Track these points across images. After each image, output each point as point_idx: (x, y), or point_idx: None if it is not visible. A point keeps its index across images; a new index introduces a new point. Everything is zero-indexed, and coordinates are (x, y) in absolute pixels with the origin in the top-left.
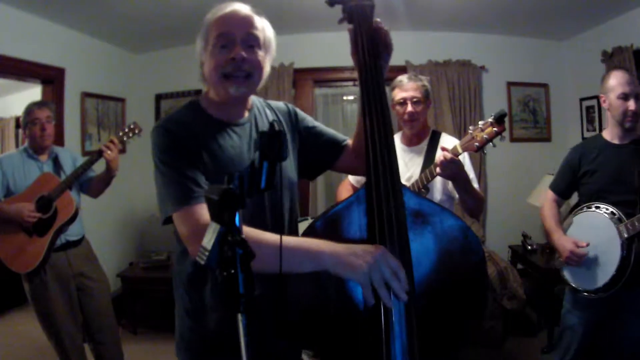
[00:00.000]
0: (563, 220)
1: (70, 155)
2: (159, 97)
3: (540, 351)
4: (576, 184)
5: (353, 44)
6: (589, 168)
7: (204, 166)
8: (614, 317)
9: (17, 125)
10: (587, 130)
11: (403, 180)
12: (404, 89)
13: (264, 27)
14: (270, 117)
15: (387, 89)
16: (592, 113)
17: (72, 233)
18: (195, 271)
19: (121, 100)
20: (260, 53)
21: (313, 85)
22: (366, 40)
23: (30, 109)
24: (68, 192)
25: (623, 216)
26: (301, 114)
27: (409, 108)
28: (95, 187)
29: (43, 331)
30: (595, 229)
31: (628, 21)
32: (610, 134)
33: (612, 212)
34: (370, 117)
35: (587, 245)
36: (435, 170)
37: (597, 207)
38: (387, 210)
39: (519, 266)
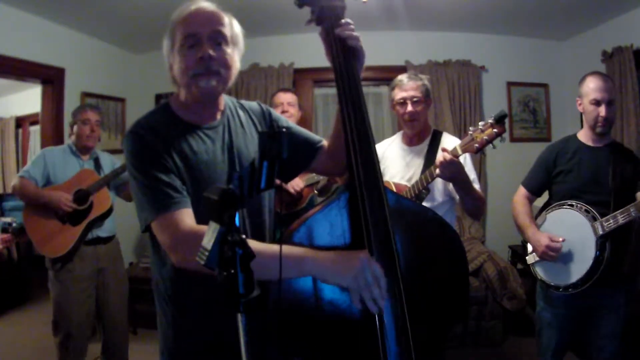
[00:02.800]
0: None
1: (110, 159)
2: (159, 97)
3: None
4: (549, 182)
5: (326, 45)
6: (564, 168)
7: (177, 170)
8: (588, 312)
9: (18, 125)
10: None
11: (404, 181)
12: (404, 88)
13: (231, 23)
14: (244, 118)
15: (387, 88)
16: None
17: (104, 229)
18: (176, 279)
19: (121, 100)
20: (229, 50)
21: (313, 85)
22: (339, 41)
23: (84, 109)
24: (106, 189)
25: (597, 215)
26: (275, 114)
27: (409, 108)
28: (129, 190)
29: (53, 320)
30: (570, 226)
31: (628, 21)
32: (585, 136)
33: (586, 210)
34: (349, 119)
35: (563, 240)
36: (435, 172)
37: (571, 205)
38: (371, 213)
39: (519, 266)
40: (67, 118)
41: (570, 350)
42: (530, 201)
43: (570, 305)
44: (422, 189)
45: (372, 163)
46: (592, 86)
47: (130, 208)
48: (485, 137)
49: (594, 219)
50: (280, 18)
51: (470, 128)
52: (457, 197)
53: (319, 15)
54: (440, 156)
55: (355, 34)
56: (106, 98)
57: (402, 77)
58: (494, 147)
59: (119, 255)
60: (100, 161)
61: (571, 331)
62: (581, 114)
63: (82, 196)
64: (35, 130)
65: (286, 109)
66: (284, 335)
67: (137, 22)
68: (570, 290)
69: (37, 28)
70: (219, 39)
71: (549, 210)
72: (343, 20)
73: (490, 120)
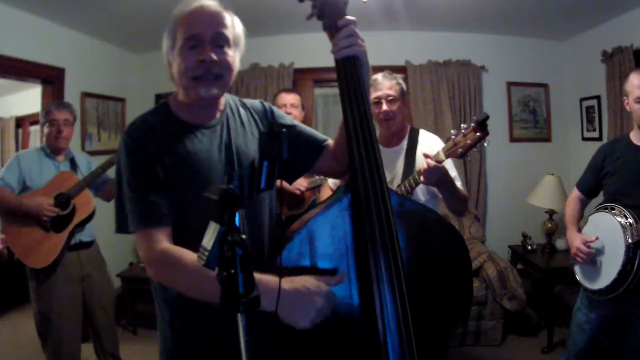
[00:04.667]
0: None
1: (85, 158)
2: (159, 97)
3: (540, 351)
4: (599, 184)
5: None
6: (610, 169)
7: (170, 174)
8: (620, 320)
9: (17, 125)
10: (587, 130)
11: None
12: (378, 87)
13: (233, 23)
14: (245, 116)
15: None
16: (592, 113)
17: (86, 234)
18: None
19: (121, 100)
20: (230, 52)
21: (313, 85)
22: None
23: (49, 110)
24: (87, 191)
25: (634, 221)
26: (278, 112)
27: (384, 107)
28: (109, 189)
29: (37, 330)
30: (605, 230)
31: (628, 21)
32: (635, 136)
33: (624, 215)
34: (353, 119)
35: (596, 239)
36: (419, 178)
37: (612, 209)
38: (375, 213)
39: (519, 266)
40: None
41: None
42: (583, 202)
43: (605, 311)
44: (406, 193)
45: (376, 164)
46: (636, 83)
47: None
48: (468, 142)
49: (630, 225)
50: (280, 18)
51: (452, 131)
52: (440, 196)
53: (319, 10)
54: (423, 163)
55: (349, 42)
56: (106, 98)
57: (377, 76)
58: (478, 151)
59: (101, 258)
60: (76, 161)
61: (601, 338)
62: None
63: (63, 200)
64: (35, 130)
65: (289, 111)
66: (281, 335)
67: (137, 22)
68: (603, 295)
69: (37, 28)
70: (221, 42)
71: (593, 213)
72: (344, 19)
73: (472, 124)
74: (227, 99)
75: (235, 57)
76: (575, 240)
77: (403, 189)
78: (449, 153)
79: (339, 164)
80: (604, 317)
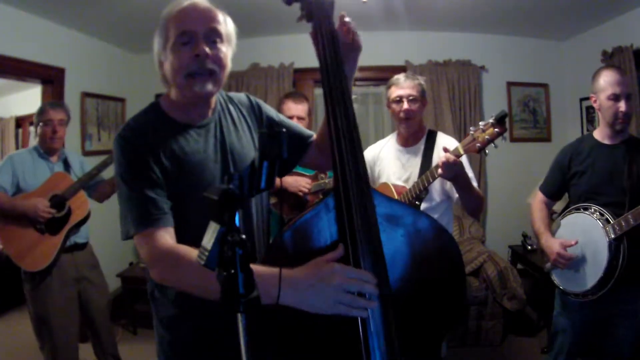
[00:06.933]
0: (552, 222)
1: (78, 158)
2: (158, 97)
3: (540, 351)
4: (566, 185)
5: (315, 44)
6: (579, 169)
7: (167, 175)
8: (604, 319)
9: (17, 125)
10: (587, 130)
11: (401, 182)
12: (401, 86)
13: (225, 20)
14: (234, 113)
15: (383, 88)
16: (592, 113)
17: (81, 235)
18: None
19: (121, 100)
20: (223, 48)
21: (313, 85)
22: (326, 39)
23: (44, 109)
24: (82, 192)
25: (610, 217)
26: (265, 106)
27: (405, 106)
28: (103, 190)
29: (34, 333)
30: (583, 231)
31: (628, 21)
32: (600, 134)
33: (599, 212)
34: (334, 120)
35: (576, 243)
36: (436, 172)
37: (585, 209)
38: (357, 217)
39: (519, 266)
40: None
41: (582, 357)
42: (548, 206)
43: (586, 312)
44: (423, 189)
45: (357, 167)
46: (609, 80)
47: None
48: (487, 137)
49: (607, 222)
50: (280, 18)
51: (471, 128)
52: (456, 196)
53: (308, 12)
54: (442, 157)
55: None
56: (106, 98)
57: (399, 76)
58: (496, 146)
59: (95, 259)
60: (69, 162)
61: (586, 338)
62: (592, 113)
63: (58, 202)
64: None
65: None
66: (267, 336)
67: (137, 22)
68: (589, 296)
69: (37, 28)
70: (214, 37)
71: (564, 215)
72: (345, 19)
73: (491, 120)
74: (216, 97)
75: (227, 53)
76: (554, 245)
77: (419, 184)
78: (467, 148)
79: (325, 158)
80: (586, 318)
